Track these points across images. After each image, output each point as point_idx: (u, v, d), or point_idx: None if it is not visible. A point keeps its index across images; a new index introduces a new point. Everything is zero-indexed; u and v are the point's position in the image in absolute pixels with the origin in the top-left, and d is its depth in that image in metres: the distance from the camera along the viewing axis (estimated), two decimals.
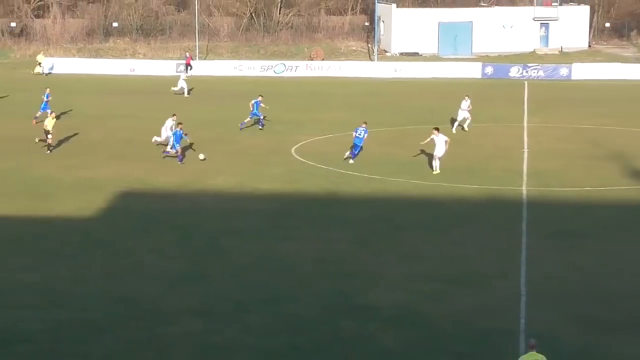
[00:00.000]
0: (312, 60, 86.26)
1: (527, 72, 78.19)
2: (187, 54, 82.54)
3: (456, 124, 50.53)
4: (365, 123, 44.01)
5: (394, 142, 46.43)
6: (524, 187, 38.44)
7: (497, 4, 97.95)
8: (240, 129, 50.94)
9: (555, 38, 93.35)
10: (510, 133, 51.09)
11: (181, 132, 43.05)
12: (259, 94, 52.70)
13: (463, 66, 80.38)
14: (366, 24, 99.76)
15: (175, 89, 66.67)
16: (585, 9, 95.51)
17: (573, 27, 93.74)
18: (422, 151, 43.62)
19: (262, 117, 51.77)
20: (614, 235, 31.87)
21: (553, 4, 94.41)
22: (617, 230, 32.53)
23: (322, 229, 32.79)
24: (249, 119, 51.33)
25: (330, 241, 31.28)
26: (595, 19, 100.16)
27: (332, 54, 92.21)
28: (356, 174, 40.77)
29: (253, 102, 51.36)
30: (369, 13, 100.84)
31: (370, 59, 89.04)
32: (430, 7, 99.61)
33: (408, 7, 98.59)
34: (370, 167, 41.93)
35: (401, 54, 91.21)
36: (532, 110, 58.75)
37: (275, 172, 41.48)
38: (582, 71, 77.78)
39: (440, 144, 40.65)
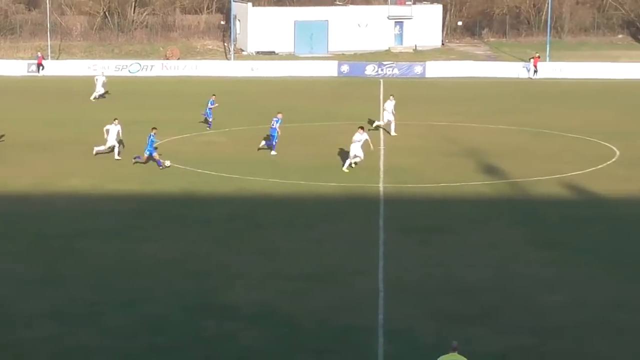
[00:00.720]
0: (167, 59, 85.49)
1: (382, 70, 79.14)
2: (39, 54, 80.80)
3: (377, 123, 50.25)
4: (280, 113, 44.35)
5: (252, 141, 46.32)
6: (380, 184, 38.85)
7: (352, 3, 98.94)
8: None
9: (410, 36, 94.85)
10: (366, 131, 51.49)
11: (153, 135, 41.99)
12: (212, 93, 52.60)
13: (319, 65, 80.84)
14: (222, 22, 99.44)
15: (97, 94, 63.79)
16: (438, 8, 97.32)
17: (426, 25, 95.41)
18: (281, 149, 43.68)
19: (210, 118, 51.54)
20: (469, 229, 32.48)
21: (407, 2, 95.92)
22: (471, 225, 33.16)
23: (180, 229, 32.49)
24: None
25: (189, 241, 31.02)
26: (447, 17, 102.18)
27: (188, 53, 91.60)
28: (214, 173, 40.55)
29: (208, 101, 51.40)
30: (225, 12, 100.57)
31: (227, 58, 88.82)
32: (286, 6, 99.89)
33: (264, 6, 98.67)
34: (228, 166, 41.76)
35: (257, 52, 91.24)
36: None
37: (132, 173, 40.91)
38: (436, 69, 79.17)
39: (359, 142, 40.66)
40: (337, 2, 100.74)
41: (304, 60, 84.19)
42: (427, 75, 78.35)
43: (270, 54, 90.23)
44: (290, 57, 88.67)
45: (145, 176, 40.34)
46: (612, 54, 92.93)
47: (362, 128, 41.49)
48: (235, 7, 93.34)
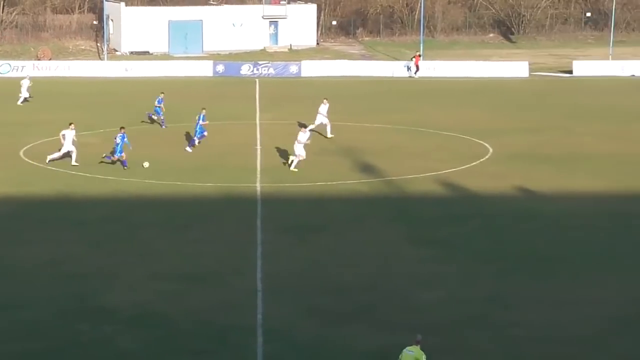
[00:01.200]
0: (39, 60, 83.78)
1: (258, 69, 79.00)
2: None
3: (311, 127, 49.46)
4: (204, 109, 45.02)
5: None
6: (258, 184, 38.81)
7: (226, 3, 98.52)
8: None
9: (285, 36, 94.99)
10: (243, 130, 51.46)
11: (124, 135, 41.16)
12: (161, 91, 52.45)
13: (194, 64, 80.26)
14: (94, 22, 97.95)
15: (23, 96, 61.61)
16: (312, 8, 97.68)
17: (301, 25, 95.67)
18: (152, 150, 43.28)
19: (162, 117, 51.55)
20: (346, 228, 32.68)
21: (281, 2, 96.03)
22: (348, 223, 33.37)
23: (55, 231, 31.92)
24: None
25: (64, 243, 30.49)
26: (322, 17, 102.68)
27: (60, 54, 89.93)
28: (89, 175, 39.91)
29: (157, 99, 51.60)
30: (97, 12, 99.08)
31: (100, 58, 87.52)
32: (160, 5, 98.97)
33: (137, 5, 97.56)
34: (103, 168, 41.15)
35: (131, 53, 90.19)
36: (264, 108, 59.43)
37: (4, 176, 39.99)
38: (311, 68, 79.38)
39: (301, 144, 40.75)
40: (212, 2, 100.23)
41: (179, 60, 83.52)
42: (303, 74, 78.53)
43: (144, 54, 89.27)
44: (165, 57, 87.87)
45: (18, 178, 39.48)
46: (483, 53, 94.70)
47: (304, 126, 41.62)
48: (108, 7, 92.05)
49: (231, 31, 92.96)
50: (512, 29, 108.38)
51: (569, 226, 32.88)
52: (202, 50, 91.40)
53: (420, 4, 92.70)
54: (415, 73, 78.15)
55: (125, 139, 41.19)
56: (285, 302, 25.48)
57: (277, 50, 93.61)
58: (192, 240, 31.18)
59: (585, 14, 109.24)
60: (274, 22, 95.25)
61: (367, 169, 41.54)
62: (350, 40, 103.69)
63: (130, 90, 68.45)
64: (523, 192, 37.81)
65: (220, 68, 78.88)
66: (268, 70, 79.03)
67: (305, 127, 42.89)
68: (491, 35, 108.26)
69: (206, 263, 28.75)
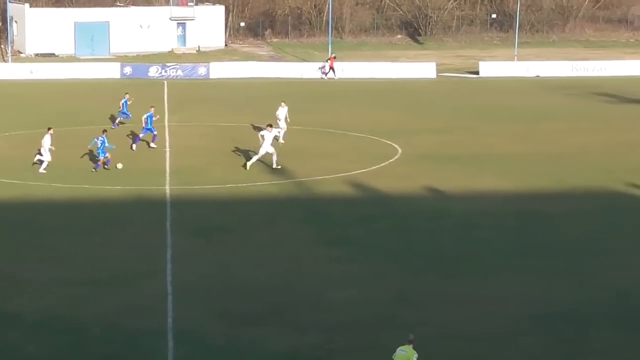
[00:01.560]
0: None
1: (166, 71, 78.38)
2: None
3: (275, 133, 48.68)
4: (152, 107, 46.19)
5: (31, 145, 44.93)
6: (167, 186, 38.49)
7: (133, 4, 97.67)
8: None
9: (193, 37, 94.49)
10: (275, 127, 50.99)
11: (104, 138, 40.74)
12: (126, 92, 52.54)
13: (101, 66, 79.31)
14: None
15: None
16: (220, 9, 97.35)
17: (209, 26, 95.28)
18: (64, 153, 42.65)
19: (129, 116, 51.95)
20: (257, 229, 32.58)
21: (189, 4, 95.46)
22: (259, 225, 33.26)
23: None
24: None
25: None
26: (230, 18, 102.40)
27: None
28: None
29: (122, 101, 51.70)
30: (0, 13, 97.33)
31: (4, 61, 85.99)
32: (66, 6, 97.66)
33: (42, 6, 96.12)
34: (8, 171, 40.42)
35: (37, 54, 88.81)
36: (172, 109, 58.97)
37: None
38: (220, 70, 79.04)
39: (268, 140, 40.90)
40: (118, 3, 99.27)
41: (85, 62, 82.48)
42: (212, 76, 78.15)
43: (50, 56, 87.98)
44: (71, 59, 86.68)
45: None
46: (391, 54, 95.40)
47: (270, 125, 42.16)
48: (12, 8, 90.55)
49: (138, 33, 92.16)
50: (420, 31, 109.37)
51: (477, 225, 33.23)
52: (109, 52, 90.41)
53: (328, 5, 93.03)
54: (326, 75, 78.34)
55: (106, 143, 40.71)
56: (196, 304, 25.30)
57: (185, 51, 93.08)
58: (100, 244, 30.77)
59: (490, 16, 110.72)
60: (181, 24, 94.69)
61: (277, 170, 41.45)
62: (258, 41, 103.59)
63: (36, 92, 67.39)
64: (432, 192, 38.13)
65: (128, 70, 78.08)
66: (176, 72, 78.48)
67: (271, 126, 42.99)
68: (399, 36, 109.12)
69: (115, 267, 28.40)
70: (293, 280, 27.46)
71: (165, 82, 74.24)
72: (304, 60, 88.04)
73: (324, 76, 78.45)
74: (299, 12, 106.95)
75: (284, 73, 79.17)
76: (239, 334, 23.35)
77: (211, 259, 29.33)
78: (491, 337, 23.27)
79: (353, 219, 34.14)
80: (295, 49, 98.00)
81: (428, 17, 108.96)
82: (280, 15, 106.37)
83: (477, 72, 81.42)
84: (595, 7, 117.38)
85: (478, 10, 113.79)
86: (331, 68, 78.45)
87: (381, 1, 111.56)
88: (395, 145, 47.33)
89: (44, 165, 40.48)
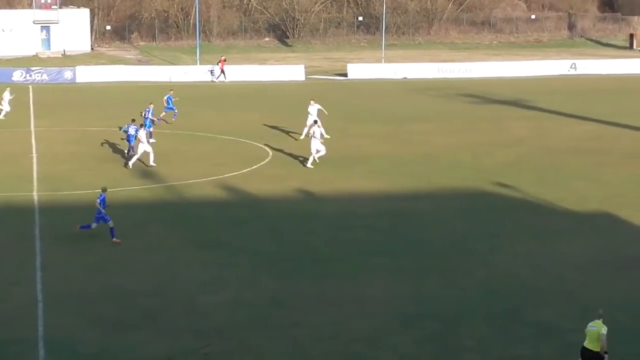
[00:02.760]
0: None
1: (30, 75, 76.91)
2: None
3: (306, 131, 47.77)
4: (151, 104, 47.33)
5: None
6: (34, 193, 37.76)
7: None
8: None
9: (58, 41, 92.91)
10: (17, 138, 50.01)
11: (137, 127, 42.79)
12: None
13: None
14: None
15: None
16: (85, 12, 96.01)
17: (75, 30, 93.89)
18: None
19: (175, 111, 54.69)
20: (128, 235, 32.10)
21: (53, 7, 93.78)
22: (130, 230, 32.82)
23: None
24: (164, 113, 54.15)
25: None
26: (96, 22, 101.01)
27: None
28: None
29: (166, 97, 54.66)
30: None
31: None
32: None
33: None
34: None
35: None
36: (38, 114, 57.90)
37: None
38: (87, 74, 77.93)
39: (317, 139, 43.16)
40: None
41: None
42: (78, 80, 76.99)
43: None
44: None
45: None
46: (260, 57, 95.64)
47: (316, 122, 44.24)
48: None
49: (0, 36, 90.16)
50: (287, 33, 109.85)
51: (349, 226, 33.52)
52: None
53: (195, 8, 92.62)
54: (217, 78, 78.04)
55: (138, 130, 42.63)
56: (67, 312, 24.88)
57: (50, 55, 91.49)
58: None
59: (357, 18, 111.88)
60: (45, 27, 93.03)
61: (148, 175, 41.10)
62: (125, 45, 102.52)
63: None
64: (303, 194, 38.31)
65: None
66: (41, 76, 77.12)
67: (316, 122, 44.23)
68: (267, 39, 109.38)
69: None
70: (165, 284, 27.25)
71: (30, 86, 72.85)
72: (171, 63, 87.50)
73: (214, 79, 78.14)
74: (166, 15, 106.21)
75: (152, 77, 78.53)
76: (112, 340, 23.06)
77: (82, 265, 28.89)
78: (364, 338, 23.48)
79: (225, 222, 34.06)
80: (163, 52, 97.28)
81: (296, 20, 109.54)
82: (147, 18, 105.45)
83: (345, 74, 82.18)
84: (459, 10, 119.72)
85: (345, 13, 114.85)
86: (222, 70, 78.20)
87: (248, 4, 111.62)
88: (266, 148, 47.42)
89: None
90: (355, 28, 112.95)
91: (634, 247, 30.83)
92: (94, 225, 31.27)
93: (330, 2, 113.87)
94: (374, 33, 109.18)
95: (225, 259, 29.66)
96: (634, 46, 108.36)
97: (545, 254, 30.18)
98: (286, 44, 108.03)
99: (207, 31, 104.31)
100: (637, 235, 32.33)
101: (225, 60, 79.75)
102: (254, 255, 30.01)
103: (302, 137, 49.70)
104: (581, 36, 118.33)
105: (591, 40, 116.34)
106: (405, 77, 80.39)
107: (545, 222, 33.92)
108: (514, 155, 46.01)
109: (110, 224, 31.07)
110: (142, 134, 42.27)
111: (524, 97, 66.48)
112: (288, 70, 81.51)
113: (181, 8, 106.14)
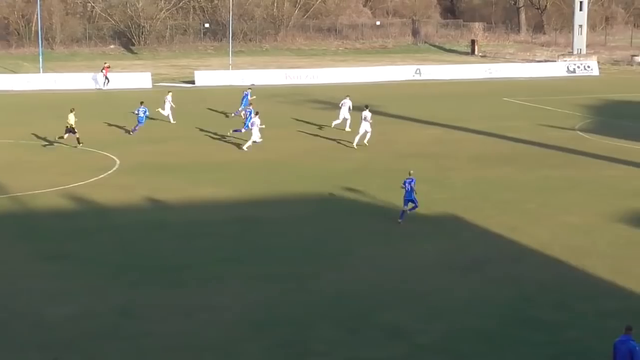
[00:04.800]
0: None
1: None
2: None
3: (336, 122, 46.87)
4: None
5: None
6: None
7: None
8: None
9: None
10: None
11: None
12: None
13: None
14: None
15: None
16: None
17: None
18: None
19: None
20: None
21: None
22: None
23: None
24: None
25: None
26: None
27: None
28: None
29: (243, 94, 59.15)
30: None
31: None
32: None
33: None
34: None
35: None
36: None
37: None
38: None
39: (368, 121, 49.69)
40: None
41: None
42: None
43: None
44: None
45: None
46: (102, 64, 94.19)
47: (367, 106, 50.26)
48: None
49: None
50: (133, 40, 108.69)
51: (198, 234, 33.31)
52: None
53: (37, 15, 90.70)
54: (104, 85, 76.52)
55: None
56: None
57: None
58: None
59: (204, 25, 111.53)
60: None
61: None
62: None
63: None
64: (151, 203, 37.91)
65: None
66: None
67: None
68: (112, 46, 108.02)
69: None
70: (10, 298, 26.54)
71: None
72: (13, 71, 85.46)
73: (101, 86, 76.65)
74: (6, 22, 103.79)
75: None
76: None
77: None
78: (214, 346, 23.34)
79: (70, 233, 33.41)
80: (4, 60, 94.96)
81: (141, 27, 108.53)
82: None
83: (192, 82, 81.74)
84: (305, 16, 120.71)
85: (191, 20, 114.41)
86: (105, 77, 76.71)
87: (92, 11, 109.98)
88: (113, 157, 46.75)
89: None
90: (202, 35, 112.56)
91: (479, 248, 31.55)
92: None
93: (176, 9, 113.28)
94: (221, 40, 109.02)
95: (72, 271, 29.08)
96: (476, 52, 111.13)
97: (393, 257, 30.61)
98: (132, 52, 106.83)
99: (49, 38, 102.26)
100: (481, 237, 33.09)
101: (109, 67, 78.41)
102: (101, 266, 29.52)
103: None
104: (425, 42, 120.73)
105: (435, 46, 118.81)
106: (253, 84, 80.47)
107: (393, 225, 34.39)
108: (362, 161, 46.56)
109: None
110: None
111: (371, 103, 67.12)
112: (134, 78, 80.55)
113: (22, 15, 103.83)
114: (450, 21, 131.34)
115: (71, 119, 49.16)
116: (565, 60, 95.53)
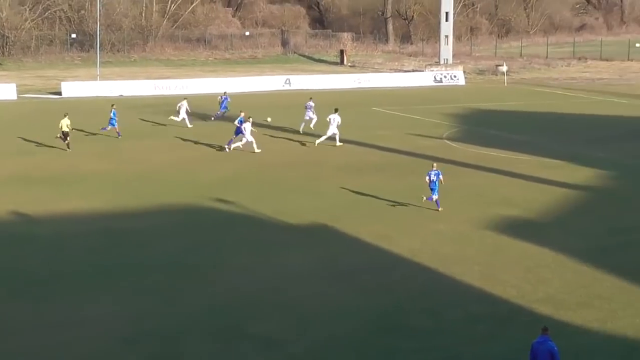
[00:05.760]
0: None
1: None
2: None
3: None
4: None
5: None
6: None
7: None
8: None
9: None
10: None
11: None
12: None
13: None
14: None
15: None
16: None
17: None
18: None
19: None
20: None
21: None
22: None
23: None
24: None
25: None
26: None
27: None
28: None
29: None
30: None
31: None
32: None
33: None
34: None
35: None
36: None
37: None
38: None
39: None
40: None
41: None
42: None
43: None
44: None
45: None
46: None
47: (336, 110, 53.50)
48: None
49: None
50: None
51: (67, 247, 32.68)
52: None
53: None
54: None
55: None
56: None
57: None
58: None
59: (70, 36, 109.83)
60: None
61: None
62: None
63: None
64: (18, 216, 37.06)
65: None
66: None
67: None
68: None
69: None
70: None
71: None
72: None
73: None
74: None
75: None
76: None
77: None
78: None
79: None
80: None
81: (5, 37, 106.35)
82: None
83: (59, 93, 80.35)
84: (174, 27, 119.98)
85: (57, 30, 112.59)
86: None
87: None
88: None
89: None
90: (69, 45, 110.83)
91: (350, 257, 31.70)
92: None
93: (42, 19, 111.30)
94: (89, 50, 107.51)
95: None
96: (345, 62, 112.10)
97: (266, 267, 30.54)
98: None
99: None
100: (352, 245, 33.27)
101: None
102: None
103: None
104: (294, 52, 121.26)
105: (304, 56, 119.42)
106: (121, 95, 79.52)
107: (265, 235, 34.36)
108: (232, 171, 46.41)
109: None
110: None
111: (240, 113, 67.16)
112: None
113: None
114: (319, 31, 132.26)
115: (65, 123, 50.68)
116: (433, 70, 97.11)
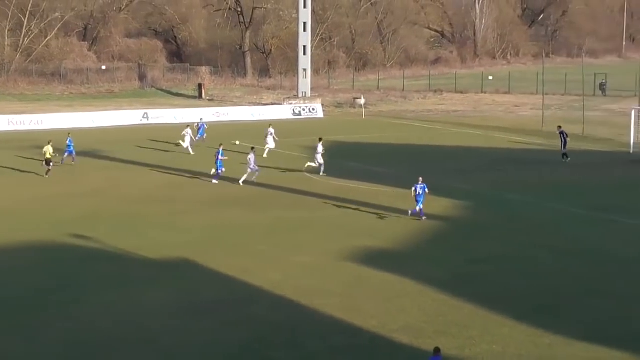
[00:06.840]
0: None
1: None
2: None
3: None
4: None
5: None
6: None
7: None
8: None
9: None
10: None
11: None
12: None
13: None
14: None
15: None
16: None
17: None
18: None
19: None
20: None
21: None
22: None
23: None
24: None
25: None
26: None
27: None
28: None
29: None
30: None
31: None
32: None
33: None
34: None
35: None
36: None
37: None
38: None
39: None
40: None
41: None
42: None
43: None
44: None
45: None
46: None
47: (320, 139, 55.30)
48: None
49: None
50: None
51: None
52: None
53: None
54: None
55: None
56: None
57: None
58: None
59: None
60: None
61: None
62: None
63: None
64: None
65: None
66: None
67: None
68: None
69: None
70: None
71: None
72: None
73: None
74: None
75: None
76: None
77: None
78: None
79: None
80: None
81: None
82: None
83: None
84: (28, 60, 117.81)
85: None
86: None
87: None
88: None
89: None
90: None
91: (211, 291, 31.56)
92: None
93: None
94: None
95: None
96: (203, 95, 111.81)
97: (126, 303, 30.14)
98: None
99: None
100: (213, 279, 33.14)
101: None
102: None
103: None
104: (152, 86, 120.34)
105: (162, 90, 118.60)
106: None
107: (125, 271, 33.94)
108: (90, 206, 45.74)
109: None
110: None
111: (99, 148, 66.41)
112: None
113: None
114: (177, 65, 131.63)
115: (48, 150, 53.53)
116: (291, 103, 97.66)
